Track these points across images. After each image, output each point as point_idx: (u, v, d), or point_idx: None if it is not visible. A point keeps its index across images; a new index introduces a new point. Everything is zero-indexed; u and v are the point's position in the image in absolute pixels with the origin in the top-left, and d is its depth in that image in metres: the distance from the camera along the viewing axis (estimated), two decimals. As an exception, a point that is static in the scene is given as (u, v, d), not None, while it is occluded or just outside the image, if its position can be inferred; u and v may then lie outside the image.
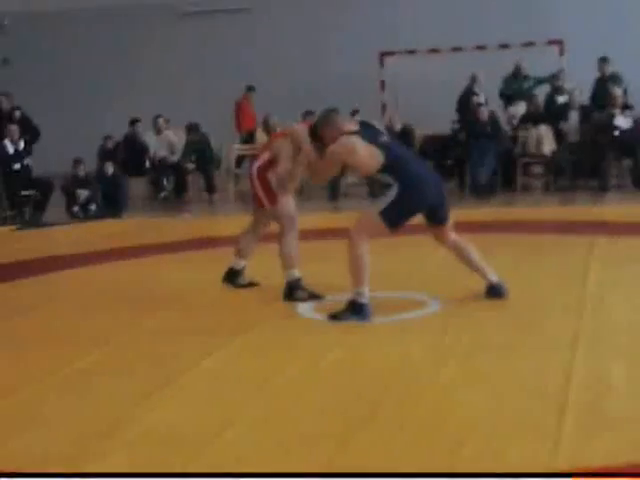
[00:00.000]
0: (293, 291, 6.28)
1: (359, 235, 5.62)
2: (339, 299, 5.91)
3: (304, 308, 6.05)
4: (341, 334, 5.35)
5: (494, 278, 5.93)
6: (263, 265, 6.87)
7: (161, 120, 13.98)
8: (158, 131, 13.99)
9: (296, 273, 6.31)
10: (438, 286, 6.37)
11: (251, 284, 6.77)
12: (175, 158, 13.77)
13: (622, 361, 4.59)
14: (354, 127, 5.72)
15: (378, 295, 6.07)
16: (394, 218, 5.61)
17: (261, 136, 14.31)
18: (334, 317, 5.65)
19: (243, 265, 6.78)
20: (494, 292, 5.91)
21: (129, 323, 5.96)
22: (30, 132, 13.25)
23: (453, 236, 5.93)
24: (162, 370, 4.83)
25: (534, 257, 7.61)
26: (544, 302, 5.92)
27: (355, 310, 5.62)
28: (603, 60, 13.84)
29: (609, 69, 13.61)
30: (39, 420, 4.20)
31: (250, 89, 15.92)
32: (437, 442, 3.67)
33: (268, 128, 14.28)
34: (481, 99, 13.60)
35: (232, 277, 6.78)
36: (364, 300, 5.62)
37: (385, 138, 5.77)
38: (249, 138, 14.81)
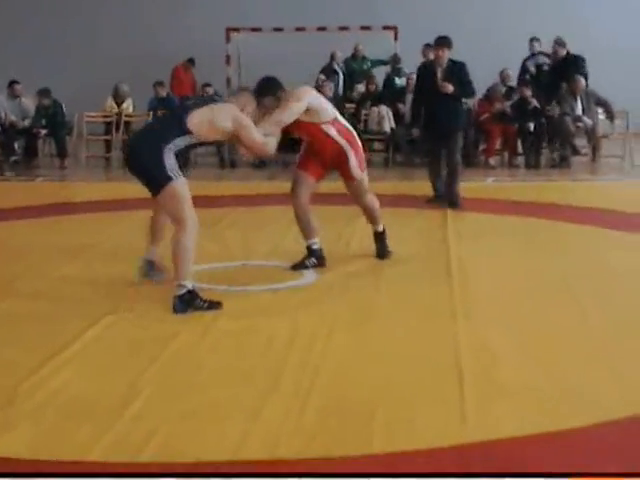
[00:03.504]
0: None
1: None
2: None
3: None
4: (227, 303, 5.10)
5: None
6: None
7: (18, 86, 13.17)
8: (14, 96, 13.17)
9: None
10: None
11: None
12: (27, 123, 13.01)
13: (498, 329, 4.61)
14: None
15: (251, 263, 5.96)
16: None
17: (111, 104, 13.80)
18: None
19: None
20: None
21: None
22: None
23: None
24: (48, 339, 4.48)
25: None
26: (413, 272, 5.89)
27: None
28: (427, 46, 14.00)
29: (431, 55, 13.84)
30: None
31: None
32: (347, 415, 3.54)
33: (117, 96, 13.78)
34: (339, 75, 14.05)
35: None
36: None
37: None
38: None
